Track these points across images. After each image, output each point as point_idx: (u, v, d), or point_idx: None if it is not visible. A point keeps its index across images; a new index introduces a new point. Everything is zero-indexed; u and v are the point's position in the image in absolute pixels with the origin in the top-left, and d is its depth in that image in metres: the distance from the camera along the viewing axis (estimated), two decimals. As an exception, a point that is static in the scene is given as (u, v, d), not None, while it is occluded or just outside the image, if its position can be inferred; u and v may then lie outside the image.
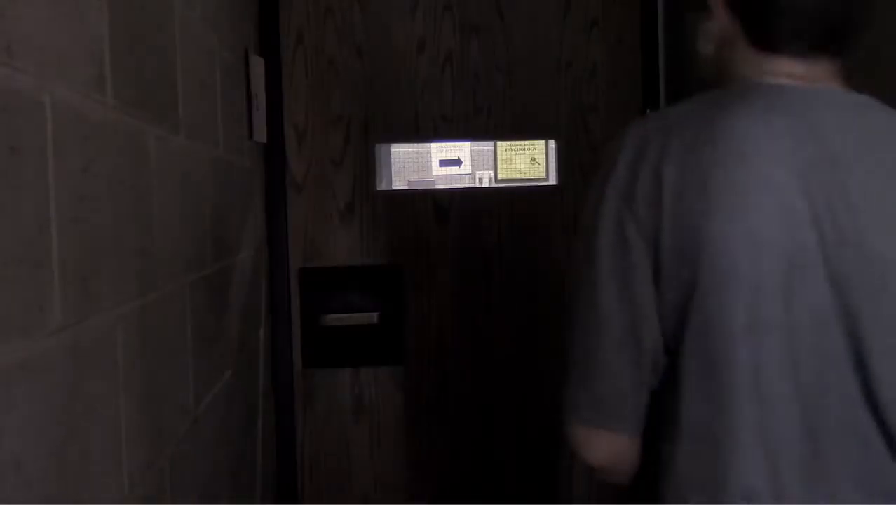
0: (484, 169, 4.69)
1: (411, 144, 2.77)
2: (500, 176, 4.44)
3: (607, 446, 0.94)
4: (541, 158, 2.21)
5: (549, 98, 2.25)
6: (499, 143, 3.99)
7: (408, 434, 2.25)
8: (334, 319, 2.18)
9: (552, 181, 2.29)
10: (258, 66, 1.93)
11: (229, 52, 1.61)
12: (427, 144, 3.45)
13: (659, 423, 0.93)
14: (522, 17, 2.24)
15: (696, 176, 0.89)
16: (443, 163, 4.72)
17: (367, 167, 2.21)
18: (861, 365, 0.89)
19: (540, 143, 2.24)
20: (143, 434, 0.96)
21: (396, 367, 2.23)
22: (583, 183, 2.26)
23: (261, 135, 1.94)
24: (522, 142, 2.16)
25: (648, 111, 2.23)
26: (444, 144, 3.63)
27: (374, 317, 2.19)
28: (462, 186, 3.86)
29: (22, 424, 0.64)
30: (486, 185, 4.46)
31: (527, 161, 4.31)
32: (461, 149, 4.75)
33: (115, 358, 0.87)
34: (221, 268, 1.48)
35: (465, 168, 4.80)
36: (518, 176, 4.31)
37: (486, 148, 4.50)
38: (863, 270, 0.89)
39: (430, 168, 4.69)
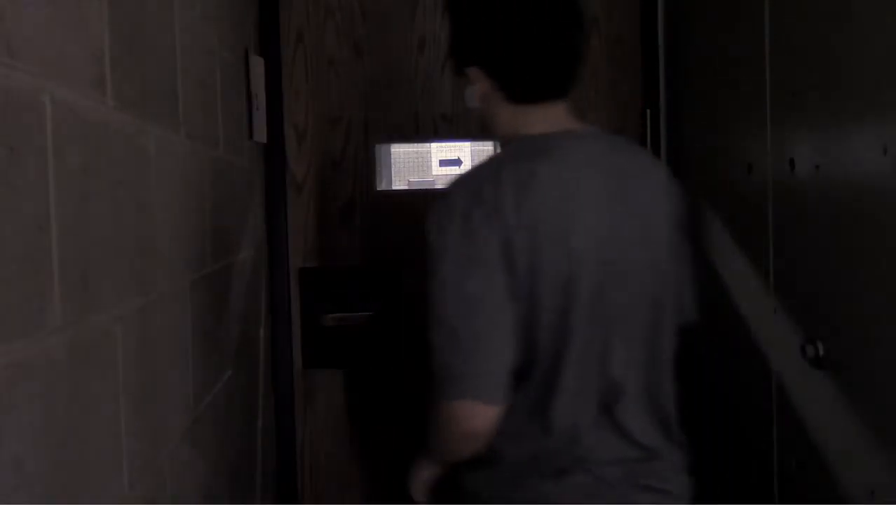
0: (484, 169, 4.68)
1: (411, 144, 2.76)
2: (500, 176, 4.44)
3: (487, 417, 1.17)
4: (541, 158, 2.21)
5: (549, 98, 2.25)
6: (499, 143, 4.00)
7: (407, 434, 2.24)
8: (334, 318, 2.18)
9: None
10: (258, 66, 1.93)
11: (229, 52, 1.61)
12: (427, 144, 3.45)
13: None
14: (522, 17, 2.24)
15: (530, 213, 1.16)
16: (443, 163, 4.71)
17: (367, 167, 2.21)
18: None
19: (540, 143, 2.24)
20: (142, 434, 0.96)
21: (396, 366, 2.23)
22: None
23: (261, 135, 1.94)
24: (522, 142, 2.16)
25: (648, 111, 2.24)
26: (444, 144, 3.63)
27: (373, 317, 2.19)
28: (462, 186, 3.85)
29: (22, 423, 0.64)
30: (486, 185, 4.44)
31: (527, 161, 4.30)
32: (461, 149, 4.75)
33: (115, 358, 0.87)
34: (221, 268, 1.48)
35: (465, 168, 4.79)
36: (518, 176, 4.30)
37: (486, 148, 4.50)
38: (617, 284, 1.21)
39: (430, 168, 4.68)
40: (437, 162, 4.68)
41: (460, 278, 1.17)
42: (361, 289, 2.20)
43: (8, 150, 0.63)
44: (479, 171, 1.25)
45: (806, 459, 1.54)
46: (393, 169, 2.72)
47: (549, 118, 1.28)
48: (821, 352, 1.44)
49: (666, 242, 1.29)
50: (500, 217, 1.16)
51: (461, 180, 1.26)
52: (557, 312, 1.18)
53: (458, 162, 4.81)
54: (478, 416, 1.17)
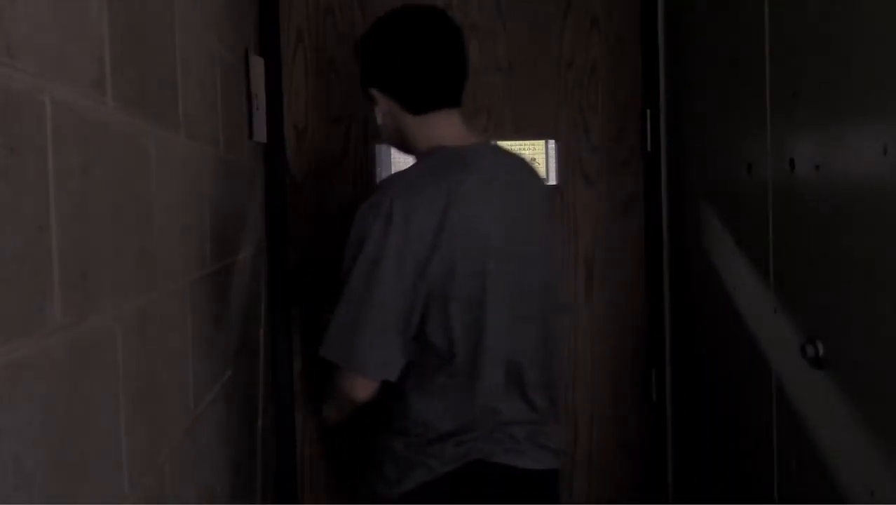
0: (484, 169, 4.67)
1: (411, 144, 2.76)
2: (500, 176, 4.43)
3: (368, 389, 1.43)
4: (541, 158, 2.21)
5: (549, 98, 2.25)
6: (499, 143, 4.00)
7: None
8: (334, 318, 2.17)
9: (552, 181, 2.29)
10: (258, 66, 1.93)
11: (229, 52, 1.62)
12: (427, 144, 3.44)
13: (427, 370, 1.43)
14: (522, 17, 2.24)
15: (436, 221, 1.35)
16: (443, 163, 4.71)
17: (367, 167, 2.21)
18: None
19: (540, 143, 2.24)
20: (142, 434, 0.96)
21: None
22: (583, 183, 2.26)
23: (261, 135, 1.94)
24: (522, 142, 2.17)
25: (648, 111, 2.24)
26: (444, 144, 3.63)
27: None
28: (462, 186, 3.85)
29: (22, 423, 0.64)
30: (486, 185, 4.44)
31: (527, 161, 4.31)
32: (461, 149, 4.74)
33: (115, 358, 0.87)
34: (221, 267, 1.48)
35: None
36: (518, 176, 4.30)
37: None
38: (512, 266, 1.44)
39: (430, 168, 4.68)
40: (437, 162, 4.67)
41: (371, 271, 1.36)
42: (361, 289, 2.19)
43: (8, 150, 0.63)
44: (413, 177, 1.43)
45: (806, 459, 1.54)
46: (393, 169, 2.71)
47: (454, 130, 1.49)
48: (821, 352, 1.44)
49: (549, 236, 1.58)
50: (430, 220, 1.35)
51: (395, 182, 1.44)
52: (474, 302, 1.39)
53: (458, 162, 4.81)
54: (363, 388, 1.43)
